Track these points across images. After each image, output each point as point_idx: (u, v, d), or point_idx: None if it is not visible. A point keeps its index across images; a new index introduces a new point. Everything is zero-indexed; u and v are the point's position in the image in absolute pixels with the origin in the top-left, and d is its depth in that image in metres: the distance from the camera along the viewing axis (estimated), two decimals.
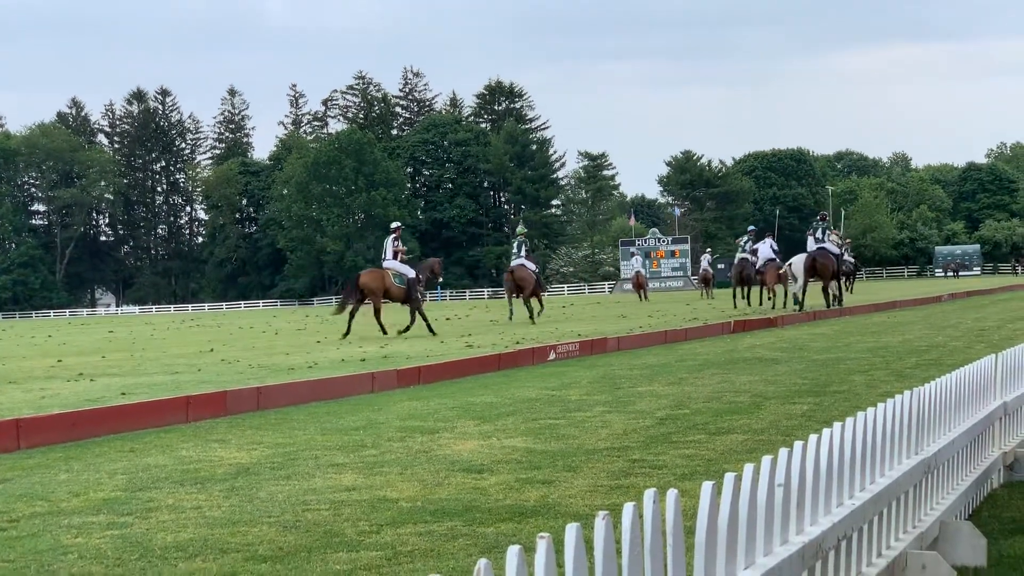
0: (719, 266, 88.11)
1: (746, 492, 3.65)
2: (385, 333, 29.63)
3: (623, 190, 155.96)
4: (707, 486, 3.41)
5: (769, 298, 44.57)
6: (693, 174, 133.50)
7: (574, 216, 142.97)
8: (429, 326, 30.40)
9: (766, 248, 44.29)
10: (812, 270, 37.15)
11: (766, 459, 3.93)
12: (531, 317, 37.02)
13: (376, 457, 9.63)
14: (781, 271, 41.71)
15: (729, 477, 3.58)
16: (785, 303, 41.51)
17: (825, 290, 38.85)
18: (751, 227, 50.94)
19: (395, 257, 31.07)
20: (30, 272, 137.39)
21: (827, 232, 38.52)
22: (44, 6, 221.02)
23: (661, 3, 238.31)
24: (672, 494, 3.24)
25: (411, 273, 31.14)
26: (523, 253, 37.70)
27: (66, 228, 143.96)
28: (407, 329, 30.20)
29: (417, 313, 30.68)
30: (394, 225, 32.33)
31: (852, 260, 56.05)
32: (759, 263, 44.38)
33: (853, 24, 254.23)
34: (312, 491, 8.19)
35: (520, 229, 40.55)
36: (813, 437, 4.34)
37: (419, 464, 9.20)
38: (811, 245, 37.64)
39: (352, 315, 30.31)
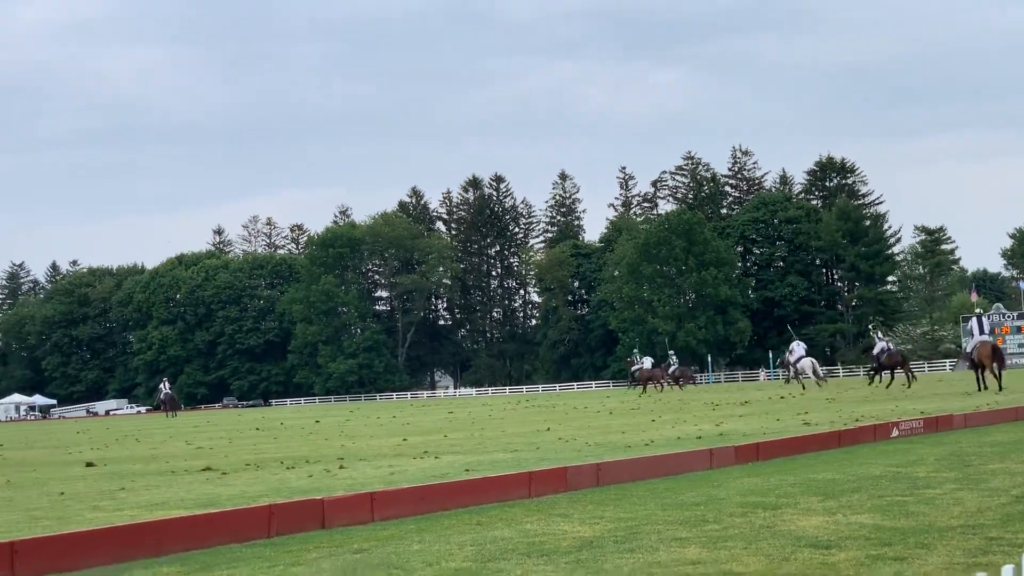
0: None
1: None
2: (1001, 389, 35.70)
3: (963, 264, 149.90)
4: None
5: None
6: None
7: (911, 292, 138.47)
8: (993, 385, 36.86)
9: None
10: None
11: None
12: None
13: (719, 532, 9.55)
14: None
15: None
16: None
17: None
18: None
19: (990, 332, 39.03)
20: (374, 356, 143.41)
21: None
22: (378, 104, 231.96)
23: (990, 72, 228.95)
24: None
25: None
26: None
27: (407, 313, 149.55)
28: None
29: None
30: (979, 310, 40.72)
31: None
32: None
33: None
34: (657, 564, 8.19)
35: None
36: None
37: (763, 539, 9.06)
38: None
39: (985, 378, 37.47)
